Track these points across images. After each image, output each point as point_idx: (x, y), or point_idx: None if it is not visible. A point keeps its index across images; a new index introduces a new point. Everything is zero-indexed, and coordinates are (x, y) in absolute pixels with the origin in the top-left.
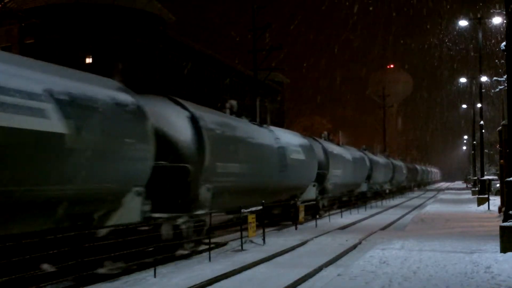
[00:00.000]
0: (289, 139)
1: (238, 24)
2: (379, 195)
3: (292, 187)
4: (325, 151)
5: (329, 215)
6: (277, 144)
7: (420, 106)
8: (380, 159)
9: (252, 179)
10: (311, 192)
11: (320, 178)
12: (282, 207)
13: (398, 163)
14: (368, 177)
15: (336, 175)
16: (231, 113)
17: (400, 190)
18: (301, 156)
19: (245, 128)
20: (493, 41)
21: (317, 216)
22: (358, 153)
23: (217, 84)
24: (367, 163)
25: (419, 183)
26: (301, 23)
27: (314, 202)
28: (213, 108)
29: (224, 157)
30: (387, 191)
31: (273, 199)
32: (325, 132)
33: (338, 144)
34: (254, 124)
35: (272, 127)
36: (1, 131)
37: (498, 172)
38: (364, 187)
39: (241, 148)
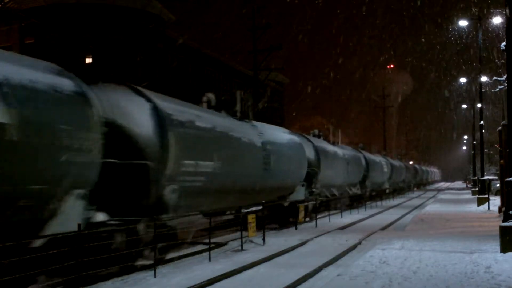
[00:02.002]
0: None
1: (238, 24)
2: (342, 202)
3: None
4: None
5: (329, 215)
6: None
7: (420, 106)
8: (339, 150)
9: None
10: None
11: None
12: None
13: (377, 158)
14: (310, 178)
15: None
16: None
17: (378, 194)
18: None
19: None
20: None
21: None
22: (291, 137)
23: (217, 84)
24: (311, 154)
25: (409, 184)
26: (301, 23)
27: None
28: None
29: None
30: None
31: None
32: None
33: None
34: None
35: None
36: None
37: (498, 172)
38: (301, 194)
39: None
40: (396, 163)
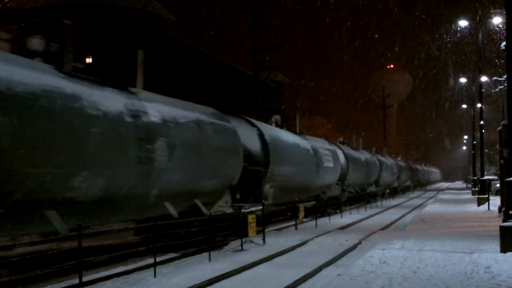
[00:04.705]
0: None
1: (238, 24)
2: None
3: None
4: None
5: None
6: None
7: (420, 106)
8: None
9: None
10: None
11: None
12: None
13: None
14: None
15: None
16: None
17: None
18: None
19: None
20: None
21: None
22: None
23: (217, 84)
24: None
25: (406, 184)
26: (301, 23)
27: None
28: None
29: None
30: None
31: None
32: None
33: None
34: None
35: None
36: None
37: (498, 172)
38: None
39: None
40: (369, 157)
